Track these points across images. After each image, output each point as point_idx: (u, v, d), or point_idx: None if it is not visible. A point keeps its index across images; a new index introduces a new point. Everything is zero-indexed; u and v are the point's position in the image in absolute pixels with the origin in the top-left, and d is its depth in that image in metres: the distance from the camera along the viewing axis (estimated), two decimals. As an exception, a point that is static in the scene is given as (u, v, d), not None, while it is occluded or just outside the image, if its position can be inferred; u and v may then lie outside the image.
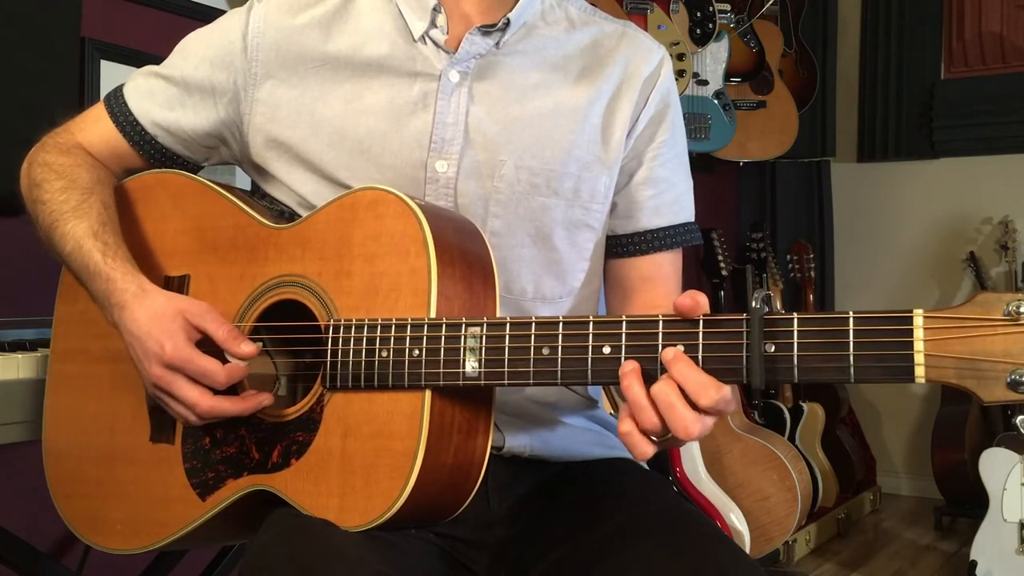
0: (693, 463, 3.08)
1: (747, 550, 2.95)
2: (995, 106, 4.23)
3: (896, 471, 4.53)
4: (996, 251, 4.16)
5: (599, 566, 1.04)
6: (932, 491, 4.08)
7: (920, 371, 0.83)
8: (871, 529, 4.05)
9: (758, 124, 4.01)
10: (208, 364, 1.07)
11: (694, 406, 0.90)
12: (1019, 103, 4.16)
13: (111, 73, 2.09)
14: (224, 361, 1.08)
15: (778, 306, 3.99)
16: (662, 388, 0.91)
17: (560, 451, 1.24)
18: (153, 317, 1.09)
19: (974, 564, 3.09)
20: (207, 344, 1.09)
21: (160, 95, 1.26)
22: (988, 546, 3.08)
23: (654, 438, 0.94)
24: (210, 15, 1.30)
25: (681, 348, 0.92)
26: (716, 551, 1.03)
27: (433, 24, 1.21)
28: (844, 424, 4.21)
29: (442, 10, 1.21)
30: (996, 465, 3.13)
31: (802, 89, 4.33)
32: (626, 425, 0.94)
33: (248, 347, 1.08)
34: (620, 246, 1.28)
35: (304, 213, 1.19)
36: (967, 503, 3.75)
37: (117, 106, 1.28)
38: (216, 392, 1.08)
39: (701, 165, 4.08)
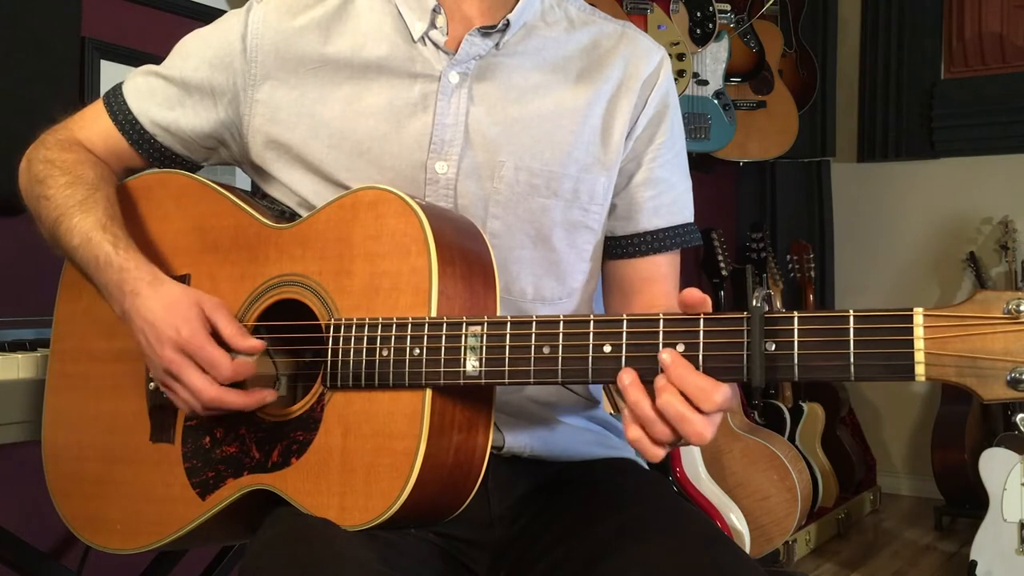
0: (693, 463, 3.08)
1: (747, 550, 2.95)
2: (995, 106, 4.23)
3: (896, 471, 4.53)
4: (996, 251, 4.16)
5: (599, 566, 1.04)
6: (932, 491, 4.08)
7: (920, 369, 0.84)
8: (871, 529, 4.05)
9: (758, 124, 4.01)
10: (218, 354, 1.07)
11: (698, 411, 0.90)
12: (1019, 103, 4.16)
13: (111, 73, 2.09)
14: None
15: (778, 306, 4.00)
16: (668, 401, 0.91)
17: (560, 451, 1.24)
18: (169, 304, 1.10)
19: (974, 564, 3.09)
20: (217, 339, 1.09)
21: (159, 95, 1.26)
22: (988, 546, 3.09)
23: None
24: (210, 15, 1.30)
25: (681, 348, 0.92)
26: (716, 551, 1.03)
27: (433, 25, 1.21)
28: (844, 424, 4.21)
29: (442, 11, 1.21)
30: (996, 465, 3.13)
31: (802, 89, 4.33)
32: (634, 432, 0.94)
33: (252, 342, 1.09)
34: (619, 247, 1.28)
35: (304, 213, 1.19)
36: (967, 503, 3.75)
37: (116, 104, 1.28)
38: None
39: (701, 165, 4.08)
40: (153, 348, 1.10)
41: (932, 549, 3.74)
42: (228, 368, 1.07)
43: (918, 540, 3.85)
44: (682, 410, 0.90)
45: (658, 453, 0.94)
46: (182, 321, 1.08)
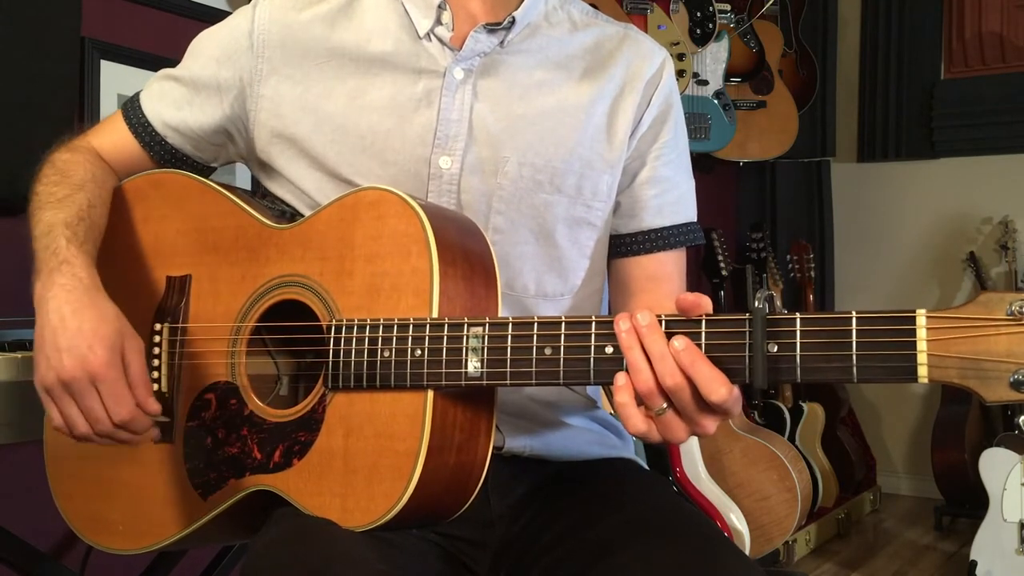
0: (693, 463, 3.08)
1: (747, 550, 2.95)
2: (995, 106, 4.23)
3: (896, 471, 4.53)
4: (996, 251, 4.16)
5: (599, 566, 1.03)
6: (932, 491, 4.08)
7: (923, 371, 0.83)
8: (871, 529, 4.05)
9: (758, 124, 4.01)
10: (126, 393, 1.06)
11: (704, 402, 0.90)
12: (1019, 103, 4.16)
13: (111, 73, 2.09)
14: None
15: (779, 306, 3.99)
16: (670, 370, 0.90)
17: (560, 451, 1.24)
18: (98, 317, 1.07)
19: (974, 564, 3.09)
20: None
21: (170, 96, 1.28)
22: (988, 546, 3.08)
23: (651, 414, 0.93)
24: (210, 15, 1.31)
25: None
26: (716, 551, 1.03)
27: (438, 21, 1.21)
28: (844, 424, 4.21)
29: (447, 7, 1.21)
30: (996, 465, 3.13)
31: (802, 89, 4.33)
32: (622, 396, 0.93)
33: (154, 405, 1.08)
34: (624, 245, 1.29)
35: (307, 210, 1.19)
36: (967, 503, 3.75)
37: (133, 111, 1.31)
38: None
39: (701, 165, 4.08)
40: (58, 353, 1.05)
41: (932, 549, 3.74)
42: (129, 412, 1.06)
43: (918, 540, 3.85)
44: (681, 382, 0.90)
45: (639, 426, 0.93)
46: (102, 344, 1.05)
